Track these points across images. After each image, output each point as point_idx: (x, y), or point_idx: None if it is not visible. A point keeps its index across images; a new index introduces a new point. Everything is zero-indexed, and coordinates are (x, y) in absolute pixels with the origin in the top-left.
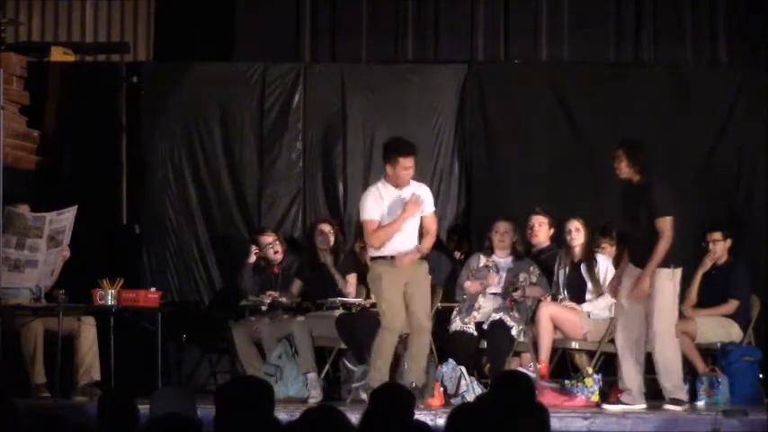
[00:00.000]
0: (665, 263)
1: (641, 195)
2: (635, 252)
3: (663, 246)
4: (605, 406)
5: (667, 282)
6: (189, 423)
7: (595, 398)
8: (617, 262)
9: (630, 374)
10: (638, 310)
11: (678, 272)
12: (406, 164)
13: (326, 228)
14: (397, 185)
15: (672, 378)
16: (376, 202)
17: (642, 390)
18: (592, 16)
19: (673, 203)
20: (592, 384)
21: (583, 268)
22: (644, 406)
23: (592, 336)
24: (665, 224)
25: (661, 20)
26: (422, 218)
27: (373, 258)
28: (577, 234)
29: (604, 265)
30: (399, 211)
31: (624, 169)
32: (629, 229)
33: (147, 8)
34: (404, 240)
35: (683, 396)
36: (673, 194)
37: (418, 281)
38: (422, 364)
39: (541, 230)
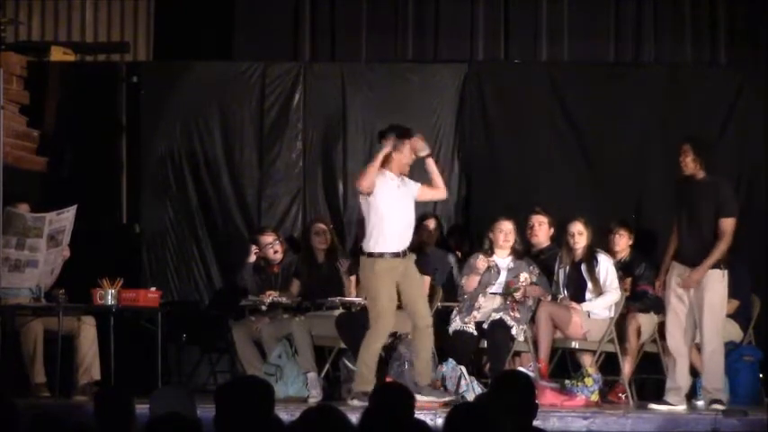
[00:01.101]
0: (718, 264)
1: (706, 193)
2: (687, 250)
3: (723, 245)
4: (652, 406)
5: (719, 284)
6: (188, 422)
7: (595, 397)
8: (640, 256)
9: (683, 374)
10: (689, 311)
11: (727, 274)
12: (415, 146)
13: (323, 227)
14: (402, 171)
15: (717, 380)
16: (380, 184)
17: (686, 391)
18: (591, 16)
19: (737, 205)
20: (592, 384)
21: (583, 268)
22: (684, 407)
23: (592, 335)
24: (729, 225)
25: (661, 20)
26: (418, 192)
27: (369, 255)
28: (580, 237)
29: (605, 266)
30: (403, 201)
31: (690, 164)
32: (682, 226)
33: (146, 8)
34: (398, 236)
35: (723, 397)
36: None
37: (410, 275)
38: (427, 362)
39: (541, 230)
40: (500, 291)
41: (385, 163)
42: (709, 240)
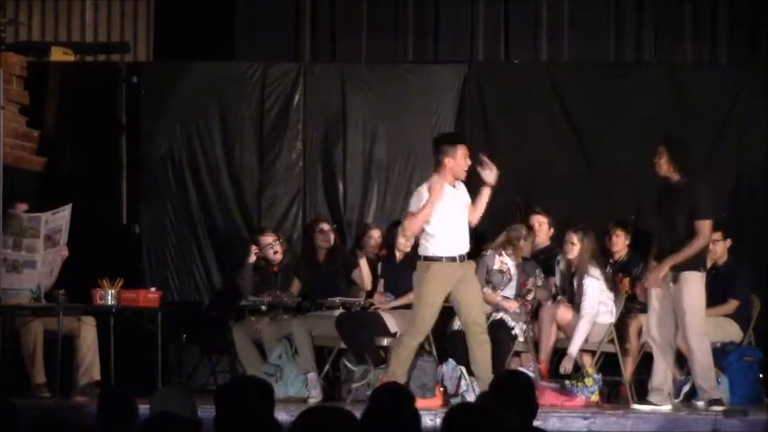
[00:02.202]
0: (696, 266)
1: (681, 195)
2: (664, 251)
3: (697, 245)
4: (635, 406)
5: (695, 285)
6: (183, 422)
7: (595, 398)
8: (638, 257)
9: (662, 374)
10: (669, 311)
11: (704, 276)
12: (466, 152)
13: (326, 226)
14: (457, 176)
15: (709, 379)
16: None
17: (670, 390)
18: (592, 16)
19: (713, 207)
20: (592, 384)
21: (575, 281)
22: (670, 407)
23: (592, 336)
24: (705, 227)
25: (661, 20)
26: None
27: (425, 258)
28: (573, 248)
29: (590, 288)
30: (458, 207)
31: (663, 166)
32: (661, 229)
33: (146, 8)
34: (455, 241)
35: (721, 395)
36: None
37: (467, 281)
38: (488, 371)
39: (542, 230)
40: (512, 294)
41: (439, 168)
42: (686, 242)
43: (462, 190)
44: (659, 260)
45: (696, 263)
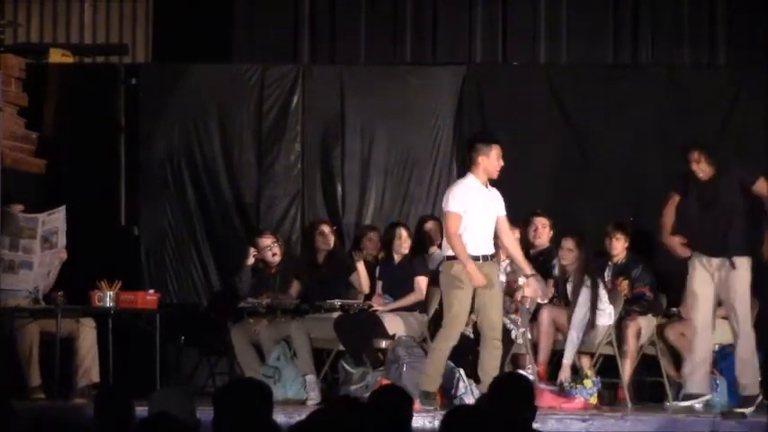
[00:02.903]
0: (749, 251)
1: (727, 183)
2: (708, 242)
3: None
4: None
5: (748, 272)
6: (179, 423)
7: (594, 400)
8: (637, 258)
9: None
10: (710, 297)
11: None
12: (500, 152)
13: (327, 229)
14: (490, 177)
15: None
16: (464, 195)
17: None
18: (590, 18)
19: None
20: (590, 386)
21: (569, 289)
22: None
23: (591, 339)
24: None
25: (659, 21)
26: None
27: (448, 258)
28: (569, 254)
29: (582, 301)
30: (485, 208)
31: (706, 169)
32: (703, 224)
33: (145, 10)
34: (482, 241)
35: (756, 391)
36: None
37: (492, 283)
38: (487, 373)
39: (544, 232)
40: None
41: (473, 167)
42: (736, 228)
43: (493, 191)
44: (710, 251)
45: (748, 248)
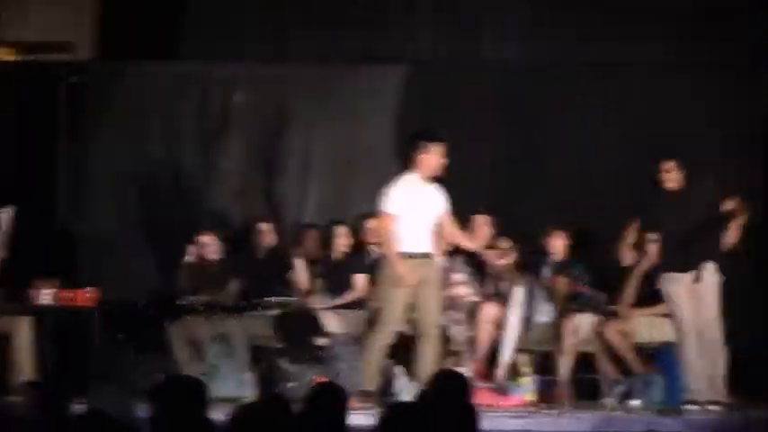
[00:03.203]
0: (717, 257)
1: (697, 193)
2: (679, 256)
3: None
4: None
5: (716, 277)
6: (113, 420)
7: (531, 397)
8: (578, 257)
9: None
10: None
11: None
12: (443, 150)
13: (266, 227)
14: (431, 174)
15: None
16: (400, 194)
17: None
18: (533, 15)
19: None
20: (528, 384)
21: (504, 286)
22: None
23: (529, 336)
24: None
25: (604, 18)
26: (444, 212)
27: (383, 255)
28: (505, 254)
29: (517, 300)
30: (424, 204)
31: (681, 179)
32: (677, 236)
33: (90, 7)
34: (420, 239)
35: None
36: None
37: (430, 280)
38: (423, 371)
39: (486, 230)
40: None
41: (413, 164)
42: (707, 238)
43: (435, 189)
44: (677, 267)
45: (717, 254)
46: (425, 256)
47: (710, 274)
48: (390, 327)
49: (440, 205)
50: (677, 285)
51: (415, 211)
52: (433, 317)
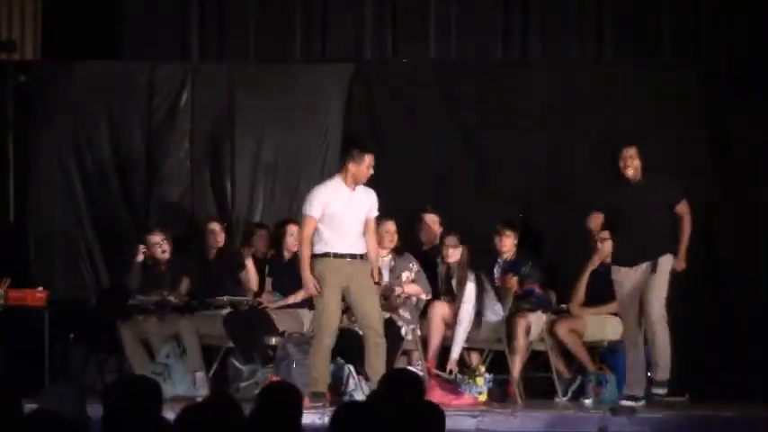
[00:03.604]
0: (671, 248)
1: (653, 189)
2: (629, 251)
3: (691, 226)
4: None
5: (668, 267)
6: (63, 420)
7: (483, 397)
8: (527, 255)
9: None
10: (636, 298)
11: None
12: (372, 161)
13: (216, 226)
14: (357, 183)
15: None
16: (322, 198)
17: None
18: (479, 13)
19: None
20: (481, 383)
21: (454, 283)
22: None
23: (481, 335)
24: (688, 207)
25: (548, 17)
26: (371, 218)
27: (314, 255)
28: (454, 251)
29: (468, 297)
30: (352, 207)
31: (638, 168)
32: (626, 230)
33: (34, 6)
34: (345, 241)
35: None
36: None
37: (360, 280)
38: (374, 375)
39: (434, 229)
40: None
41: (342, 169)
42: (656, 233)
43: (361, 194)
44: (628, 261)
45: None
46: (353, 257)
47: (666, 263)
48: (327, 328)
49: (365, 209)
50: (629, 275)
51: (336, 214)
52: (370, 317)
